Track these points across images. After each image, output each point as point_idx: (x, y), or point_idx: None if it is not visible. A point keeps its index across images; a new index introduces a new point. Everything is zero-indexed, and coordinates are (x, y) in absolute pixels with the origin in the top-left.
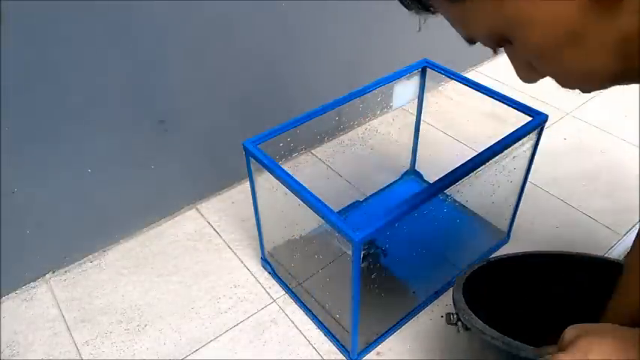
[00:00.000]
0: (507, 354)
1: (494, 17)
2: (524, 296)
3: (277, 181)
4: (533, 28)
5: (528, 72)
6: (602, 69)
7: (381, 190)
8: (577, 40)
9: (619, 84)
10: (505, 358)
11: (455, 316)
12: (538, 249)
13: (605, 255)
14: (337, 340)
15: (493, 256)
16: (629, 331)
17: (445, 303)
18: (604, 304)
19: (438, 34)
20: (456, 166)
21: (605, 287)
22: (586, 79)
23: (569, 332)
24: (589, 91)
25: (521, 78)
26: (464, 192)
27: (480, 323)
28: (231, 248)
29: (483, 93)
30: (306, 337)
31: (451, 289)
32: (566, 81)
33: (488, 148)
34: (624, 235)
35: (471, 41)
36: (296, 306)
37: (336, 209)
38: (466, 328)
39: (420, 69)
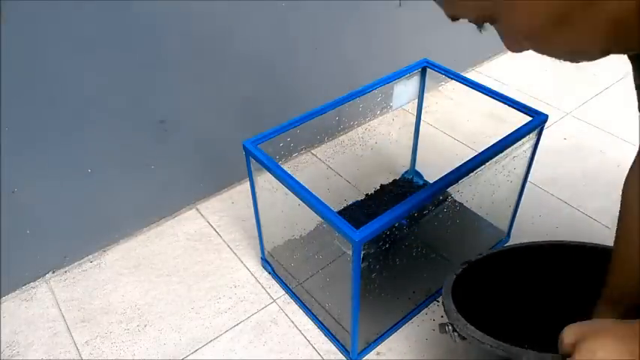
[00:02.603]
0: None
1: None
2: (510, 291)
3: (277, 181)
4: (520, 11)
5: (516, 45)
6: (591, 47)
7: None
8: (564, 22)
9: (609, 54)
10: None
11: (450, 327)
12: None
13: None
14: (337, 340)
15: (474, 257)
16: (627, 326)
17: None
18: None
19: (438, 34)
20: (456, 166)
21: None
22: (576, 55)
23: (569, 335)
24: (579, 62)
25: (508, 49)
26: (464, 192)
27: (477, 333)
28: (231, 248)
29: (483, 93)
30: (306, 337)
31: None
32: (555, 56)
33: (488, 148)
34: None
35: (454, 19)
36: (296, 306)
37: (336, 209)
38: (462, 338)
39: (420, 69)
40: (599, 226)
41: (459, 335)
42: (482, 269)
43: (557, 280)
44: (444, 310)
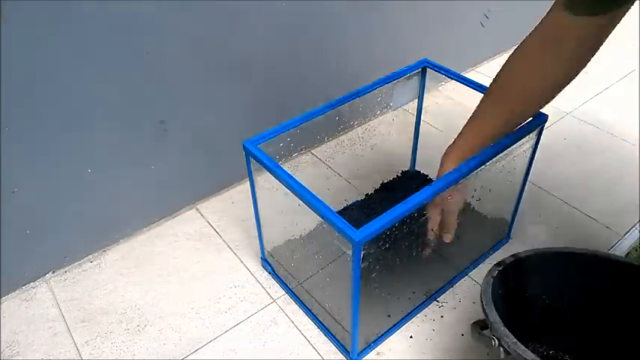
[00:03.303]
0: None
1: None
2: (540, 296)
3: (277, 181)
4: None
5: None
6: None
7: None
8: None
9: None
10: None
11: (496, 341)
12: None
13: None
14: (337, 340)
15: (506, 257)
16: None
17: (445, 300)
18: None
19: (438, 34)
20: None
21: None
22: None
23: None
24: None
25: None
26: None
27: (529, 354)
28: (231, 248)
29: (483, 93)
30: (306, 337)
31: (451, 289)
32: None
33: (488, 148)
34: (624, 235)
35: None
36: (296, 306)
37: (336, 209)
38: (507, 353)
39: (420, 69)
40: (599, 226)
41: (505, 351)
42: (511, 273)
43: (580, 289)
44: (488, 322)
